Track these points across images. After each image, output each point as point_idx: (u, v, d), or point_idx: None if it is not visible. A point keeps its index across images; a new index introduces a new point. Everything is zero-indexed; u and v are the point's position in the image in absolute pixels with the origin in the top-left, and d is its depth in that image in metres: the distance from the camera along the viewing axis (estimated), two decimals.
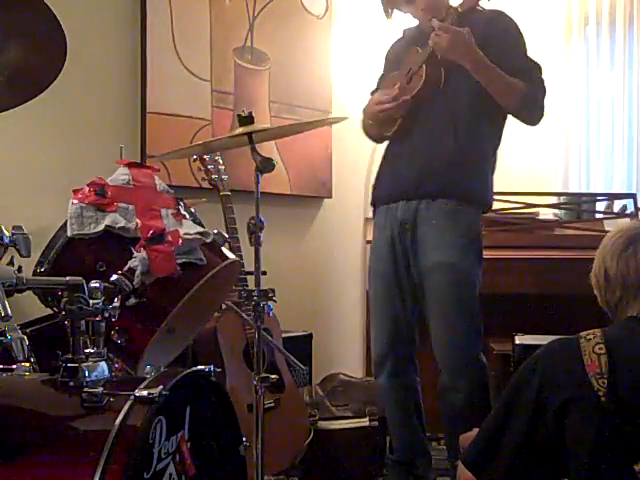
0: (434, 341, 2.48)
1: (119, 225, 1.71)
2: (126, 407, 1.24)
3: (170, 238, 1.72)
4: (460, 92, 2.48)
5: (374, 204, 2.67)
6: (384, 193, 2.60)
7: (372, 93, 2.75)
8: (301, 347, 3.18)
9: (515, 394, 1.44)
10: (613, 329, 1.46)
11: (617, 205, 3.67)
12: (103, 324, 1.43)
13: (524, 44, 2.54)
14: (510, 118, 2.56)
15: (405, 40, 2.74)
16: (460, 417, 2.43)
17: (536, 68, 2.51)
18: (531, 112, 2.49)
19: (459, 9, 2.47)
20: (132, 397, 1.26)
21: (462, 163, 2.47)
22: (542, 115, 2.50)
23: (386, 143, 2.69)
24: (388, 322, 2.57)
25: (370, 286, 2.65)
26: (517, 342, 2.80)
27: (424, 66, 2.48)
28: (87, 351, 1.39)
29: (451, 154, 2.47)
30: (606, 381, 1.32)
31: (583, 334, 1.42)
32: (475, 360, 2.46)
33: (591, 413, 1.32)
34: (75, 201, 1.73)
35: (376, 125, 2.65)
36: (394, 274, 2.54)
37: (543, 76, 2.51)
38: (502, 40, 2.49)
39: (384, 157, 2.66)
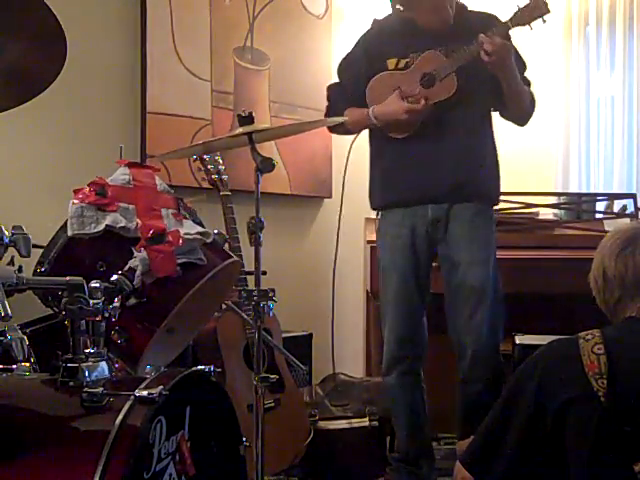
0: (457, 331, 2.50)
1: (119, 225, 1.71)
2: (126, 407, 1.24)
3: (170, 238, 1.72)
4: (472, 96, 2.49)
5: (383, 207, 2.62)
6: (404, 197, 2.55)
7: (330, 87, 2.78)
8: (301, 347, 3.18)
9: (514, 394, 1.44)
10: (612, 329, 1.47)
11: (617, 205, 3.67)
12: (103, 324, 1.44)
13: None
14: None
15: (388, 35, 2.62)
16: (475, 410, 2.40)
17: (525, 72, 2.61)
18: (530, 116, 2.62)
19: (509, 24, 2.42)
20: (132, 397, 1.26)
21: (480, 167, 2.52)
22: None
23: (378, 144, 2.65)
24: (404, 320, 2.56)
25: (383, 285, 2.61)
26: (517, 342, 2.80)
27: (454, 76, 2.44)
28: (87, 351, 1.40)
29: (470, 158, 2.51)
30: (605, 381, 1.32)
31: (582, 334, 1.42)
32: (495, 353, 2.50)
33: (591, 413, 1.32)
34: (75, 201, 1.73)
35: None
36: (412, 270, 2.53)
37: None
38: None
39: (390, 159, 2.59)
